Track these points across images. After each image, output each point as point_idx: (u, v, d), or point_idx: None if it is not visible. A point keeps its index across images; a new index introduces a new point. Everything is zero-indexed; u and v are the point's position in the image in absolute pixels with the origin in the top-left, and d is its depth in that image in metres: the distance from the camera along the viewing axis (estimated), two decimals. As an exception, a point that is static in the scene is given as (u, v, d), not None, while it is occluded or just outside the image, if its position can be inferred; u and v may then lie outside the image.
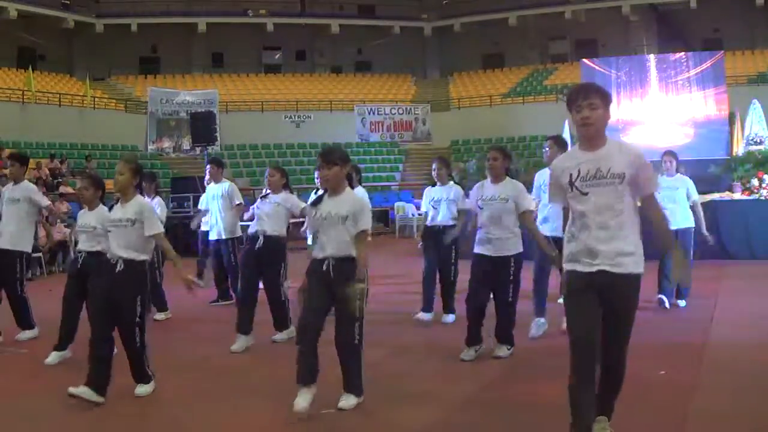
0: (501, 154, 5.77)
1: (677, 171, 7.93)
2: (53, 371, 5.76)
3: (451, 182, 7.27)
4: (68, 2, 30.70)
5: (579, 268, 3.58)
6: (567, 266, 3.66)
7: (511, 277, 5.66)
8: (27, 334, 6.89)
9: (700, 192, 12.24)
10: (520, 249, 5.71)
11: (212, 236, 8.67)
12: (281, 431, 4.38)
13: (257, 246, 6.47)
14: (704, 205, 11.80)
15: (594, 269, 3.54)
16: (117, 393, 5.01)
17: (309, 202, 4.79)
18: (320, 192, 4.94)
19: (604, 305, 3.55)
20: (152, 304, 7.97)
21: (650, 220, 3.61)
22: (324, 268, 4.51)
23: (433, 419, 4.35)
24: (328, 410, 4.47)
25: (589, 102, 3.52)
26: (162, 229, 5.01)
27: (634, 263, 3.53)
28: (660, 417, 4.20)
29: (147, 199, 5.30)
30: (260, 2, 33.50)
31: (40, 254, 12.98)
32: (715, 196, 12.25)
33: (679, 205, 7.75)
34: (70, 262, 5.38)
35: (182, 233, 16.19)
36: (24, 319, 6.92)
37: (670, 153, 7.96)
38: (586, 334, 3.52)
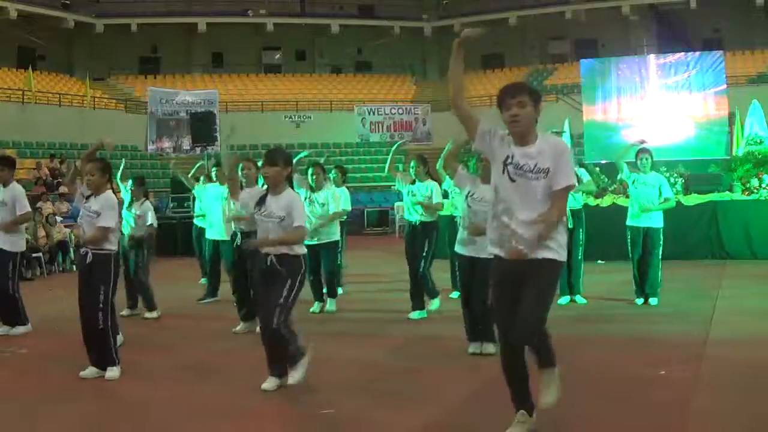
0: None
1: (652, 169, 7.94)
2: (53, 370, 5.76)
3: (429, 180, 7.52)
4: (68, 2, 30.66)
5: (502, 253, 3.70)
6: (493, 250, 3.77)
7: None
8: (20, 329, 7.07)
9: (700, 192, 12.34)
10: None
11: (212, 236, 8.73)
12: (281, 430, 4.38)
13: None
14: (704, 204, 11.92)
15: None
16: (115, 392, 5.02)
17: (255, 201, 5.00)
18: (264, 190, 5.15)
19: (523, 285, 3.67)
20: (144, 303, 8.04)
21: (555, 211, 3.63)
22: (268, 263, 4.80)
23: (433, 419, 4.34)
24: (328, 411, 4.47)
25: (517, 100, 3.61)
26: (106, 224, 5.28)
27: (549, 249, 3.63)
28: (660, 417, 4.19)
29: (113, 196, 5.50)
30: (260, 2, 33.47)
31: (40, 254, 13.00)
32: (715, 196, 12.25)
33: (653, 204, 7.79)
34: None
35: (182, 233, 16.26)
36: (13, 316, 7.09)
37: (644, 150, 7.97)
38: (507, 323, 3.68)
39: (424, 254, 7.48)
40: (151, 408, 4.76)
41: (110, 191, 5.43)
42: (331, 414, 4.42)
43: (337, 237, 8.13)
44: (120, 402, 4.85)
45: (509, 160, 3.65)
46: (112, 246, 5.36)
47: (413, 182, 7.55)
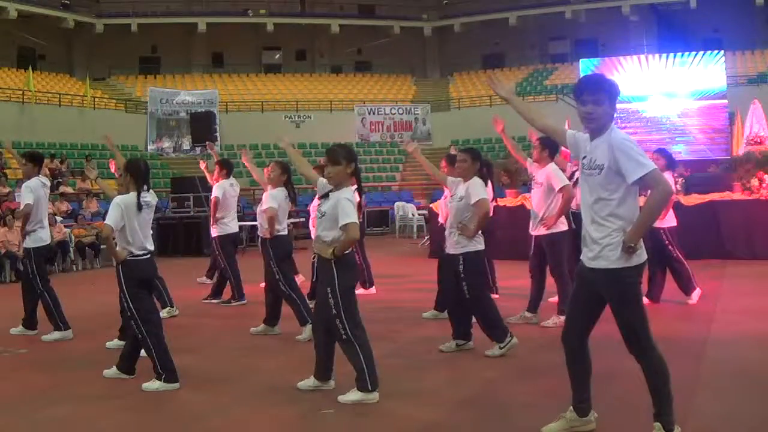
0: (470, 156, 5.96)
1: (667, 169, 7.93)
2: (54, 372, 5.76)
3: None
4: (68, 2, 30.68)
5: (582, 256, 3.69)
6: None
7: (462, 275, 5.73)
8: (54, 335, 6.92)
9: (701, 192, 12.32)
10: (470, 248, 5.74)
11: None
12: (281, 430, 4.38)
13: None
14: (704, 205, 11.91)
15: (589, 263, 3.64)
16: (116, 396, 5.02)
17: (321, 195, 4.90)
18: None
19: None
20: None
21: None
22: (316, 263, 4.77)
23: (434, 418, 4.34)
24: (328, 411, 4.47)
25: (595, 97, 3.57)
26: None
27: (605, 258, 3.56)
28: (660, 417, 4.17)
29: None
30: (260, 2, 33.49)
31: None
32: (715, 196, 12.24)
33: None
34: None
35: (183, 233, 16.30)
36: (50, 317, 6.98)
37: (658, 151, 7.99)
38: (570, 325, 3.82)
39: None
40: (154, 408, 4.76)
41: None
42: (331, 414, 4.43)
43: None
44: (121, 404, 4.85)
45: (584, 159, 3.67)
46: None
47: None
